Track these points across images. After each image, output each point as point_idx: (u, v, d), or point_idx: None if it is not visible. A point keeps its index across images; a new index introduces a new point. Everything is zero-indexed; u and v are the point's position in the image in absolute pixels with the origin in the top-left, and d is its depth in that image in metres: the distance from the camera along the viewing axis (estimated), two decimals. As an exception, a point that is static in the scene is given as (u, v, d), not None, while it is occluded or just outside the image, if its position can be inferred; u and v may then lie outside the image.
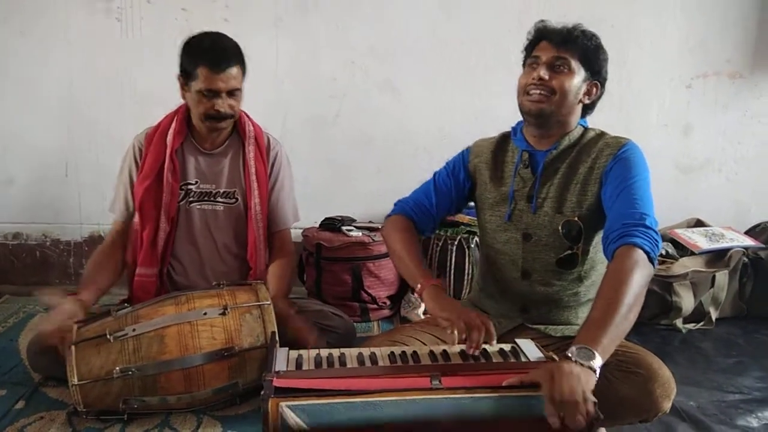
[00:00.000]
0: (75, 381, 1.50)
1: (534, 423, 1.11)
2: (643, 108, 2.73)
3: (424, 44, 2.63)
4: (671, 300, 2.28)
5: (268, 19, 2.58)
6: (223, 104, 1.75)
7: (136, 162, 1.89)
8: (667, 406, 1.35)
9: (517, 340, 1.38)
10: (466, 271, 2.37)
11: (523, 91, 1.48)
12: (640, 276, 1.25)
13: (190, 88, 1.77)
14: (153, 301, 1.67)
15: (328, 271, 2.41)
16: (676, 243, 2.48)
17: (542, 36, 1.49)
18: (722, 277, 2.33)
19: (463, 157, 1.66)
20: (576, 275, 1.52)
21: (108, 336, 1.52)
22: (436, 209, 1.64)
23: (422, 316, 2.34)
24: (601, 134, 1.53)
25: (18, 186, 2.68)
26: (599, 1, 2.61)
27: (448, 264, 2.36)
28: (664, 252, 2.41)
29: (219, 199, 1.91)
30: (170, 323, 1.57)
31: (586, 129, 1.54)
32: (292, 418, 1.09)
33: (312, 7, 2.59)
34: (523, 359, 1.30)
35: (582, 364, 1.11)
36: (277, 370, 1.20)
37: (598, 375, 1.12)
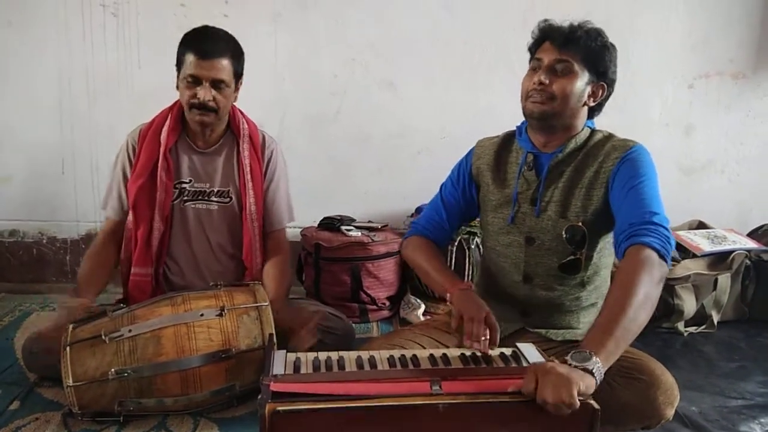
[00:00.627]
0: (70, 382, 1.48)
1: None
2: (645, 108, 2.71)
3: (425, 41, 2.61)
4: (673, 303, 2.27)
5: (267, 14, 2.56)
6: (204, 93, 1.72)
7: (129, 159, 1.86)
8: (669, 413, 1.33)
9: (518, 345, 1.36)
10: (466, 272, 2.36)
11: (525, 95, 1.45)
12: (649, 276, 1.22)
13: (179, 77, 1.76)
14: (149, 302, 1.65)
15: (326, 272, 2.39)
16: (678, 245, 2.45)
17: (546, 36, 1.45)
18: (724, 279, 2.31)
19: (466, 161, 1.64)
20: (579, 280, 1.49)
21: (103, 337, 1.50)
22: (449, 224, 1.65)
23: (422, 318, 2.32)
24: (609, 136, 1.49)
25: (14, 183, 2.66)
26: (602, -1, 2.59)
27: (448, 264, 2.33)
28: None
29: (213, 199, 1.89)
30: (167, 324, 1.55)
31: (593, 131, 1.51)
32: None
33: (312, 2, 2.56)
34: (525, 363, 1.28)
35: (575, 366, 1.09)
36: (274, 373, 1.19)
37: (599, 377, 1.10)
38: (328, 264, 2.38)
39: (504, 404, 1.11)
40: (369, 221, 2.60)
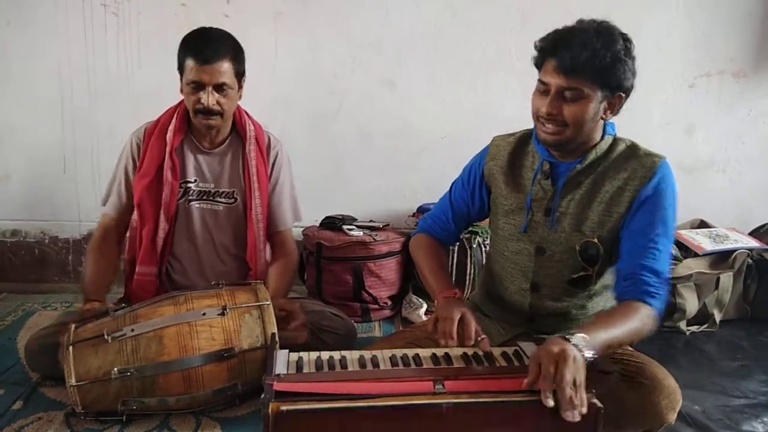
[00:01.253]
0: (73, 382, 1.48)
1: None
2: (646, 107, 2.70)
3: (425, 41, 2.60)
4: (675, 302, 2.26)
5: (268, 13, 2.55)
6: (208, 98, 1.72)
7: (133, 158, 1.87)
8: (672, 417, 1.33)
9: (520, 343, 1.37)
10: (468, 271, 2.36)
11: (536, 117, 1.38)
12: (643, 326, 1.28)
13: (182, 82, 1.76)
14: (151, 301, 1.65)
15: (328, 271, 2.39)
16: (679, 244, 2.46)
17: (548, 55, 1.33)
18: (726, 278, 2.31)
19: (480, 160, 1.59)
20: (587, 293, 1.48)
21: (106, 336, 1.51)
22: (454, 225, 1.64)
23: (423, 317, 2.32)
24: (632, 147, 1.41)
25: (16, 183, 2.66)
26: (602, -1, 2.59)
27: (450, 263, 2.33)
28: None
29: (219, 199, 1.89)
30: (169, 323, 1.55)
31: (614, 140, 1.42)
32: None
33: (313, 1, 2.56)
34: (527, 362, 1.28)
35: (567, 339, 1.14)
36: (277, 373, 1.19)
37: (587, 354, 1.13)
38: (330, 263, 2.38)
39: (507, 403, 1.11)
40: (370, 221, 2.60)
